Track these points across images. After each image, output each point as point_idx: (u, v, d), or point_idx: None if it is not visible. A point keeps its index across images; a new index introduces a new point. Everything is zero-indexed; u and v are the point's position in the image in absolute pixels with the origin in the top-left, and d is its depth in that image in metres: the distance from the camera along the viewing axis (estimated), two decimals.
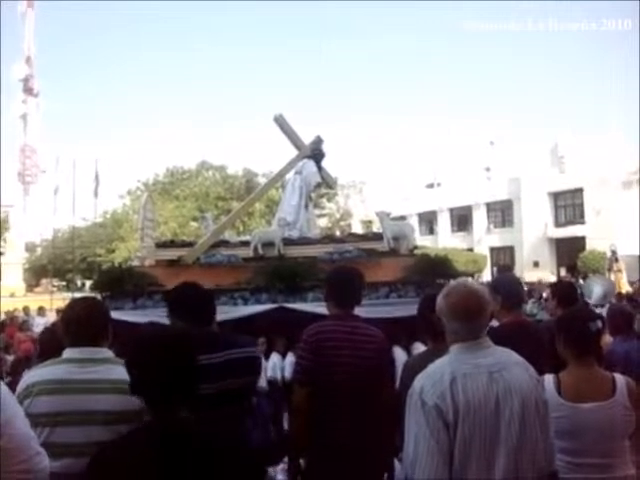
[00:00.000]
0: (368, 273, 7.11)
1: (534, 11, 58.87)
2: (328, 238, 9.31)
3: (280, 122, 9.05)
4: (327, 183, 10.15)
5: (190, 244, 8.54)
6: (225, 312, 6.60)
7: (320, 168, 9.25)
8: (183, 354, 2.13)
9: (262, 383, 6.57)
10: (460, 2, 62.20)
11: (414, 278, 7.34)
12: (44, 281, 46.97)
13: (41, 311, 17.26)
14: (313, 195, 10.31)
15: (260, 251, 7.94)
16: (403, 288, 7.30)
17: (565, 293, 4.63)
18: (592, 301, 10.69)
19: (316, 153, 9.14)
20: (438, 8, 78.86)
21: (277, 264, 7.47)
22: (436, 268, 7.35)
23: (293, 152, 9.19)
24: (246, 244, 8.30)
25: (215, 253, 7.91)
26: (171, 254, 8.07)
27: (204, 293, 3.38)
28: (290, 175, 9.32)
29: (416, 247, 8.76)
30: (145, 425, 2.13)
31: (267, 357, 7.51)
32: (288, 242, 8.17)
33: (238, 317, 6.70)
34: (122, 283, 7.21)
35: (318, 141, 9.18)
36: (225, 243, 8.49)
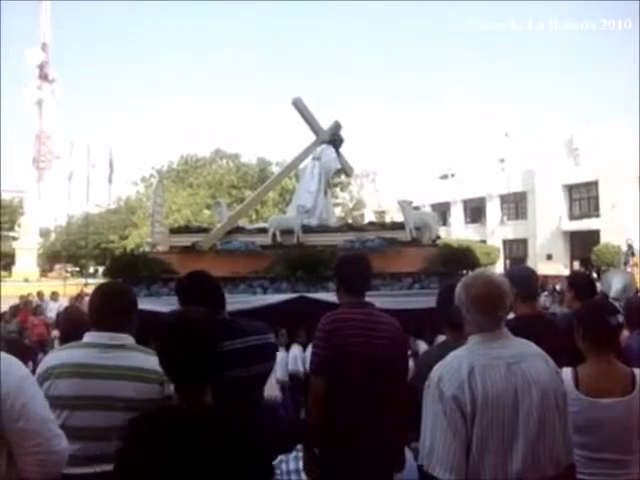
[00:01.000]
0: (390, 263, 7.16)
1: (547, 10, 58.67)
2: (348, 226, 9.11)
3: (299, 106, 8.82)
4: (345, 170, 9.87)
5: (205, 230, 8.35)
6: (244, 301, 6.49)
7: (339, 154, 9.01)
8: (211, 337, 2.18)
9: (283, 376, 6.51)
10: (467, 2, 62.41)
11: (437, 269, 7.18)
12: (58, 266, 47.32)
13: (54, 296, 17.37)
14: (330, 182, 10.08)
15: (278, 238, 7.73)
16: (426, 279, 7.15)
17: (583, 285, 4.54)
18: (611, 294, 10.58)
19: (335, 139, 8.91)
20: (452, 4, 78.67)
21: (298, 252, 7.27)
22: (459, 259, 7.21)
23: (308, 140, 8.96)
24: (263, 231, 8.08)
25: (232, 240, 7.69)
26: (185, 240, 7.87)
27: (212, 281, 3.35)
28: (307, 161, 9.05)
29: (439, 237, 8.54)
30: (172, 406, 2.19)
31: (288, 349, 7.38)
32: (307, 229, 7.95)
33: (257, 307, 6.53)
34: (136, 269, 7.05)
35: (336, 126, 8.93)
36: (241, 230, 8.29)
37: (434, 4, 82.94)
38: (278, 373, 6.54)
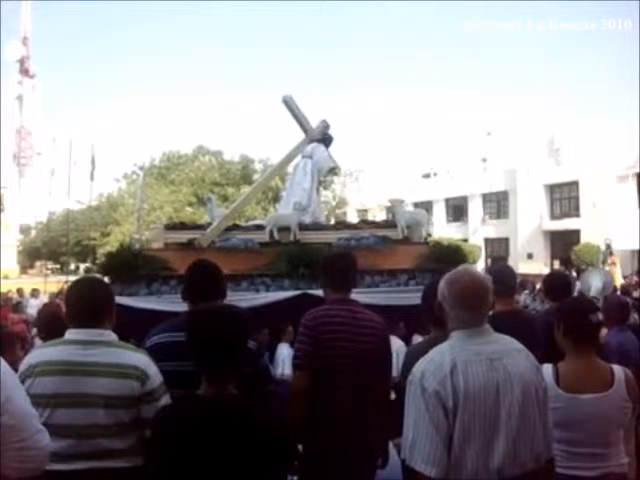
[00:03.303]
0: (385, 260, 7.44)
1: (533, 11, 59.43)
2: (342, 224, 9.31)
3: (289, 104, 8.87)
4: (335, 169, 10.08)
5: (201, 227, 8.29)
6: (249, 299, 6.61)
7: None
8: (240, 329, 2.27)
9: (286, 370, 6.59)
10: (460, 1, 62.75)
11: (429, 266, 7.35)
12: (38, 263, 46.90)
13: (35, 293, 17.25)
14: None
15: (276, 236, 7.76)
16: (420, 275, 7.32)
17: (553, 284, 4.59)
18: (590, 293, 10.70)
19: (325, 137, 9.02)
20: (439, 5, 79.12)
21: (297, 250, 7.33)
22: (450, 256, 7.38)
23: (291, 137, 9.07)
24: (259, 228, 8.12)
25: (230, 237, 7.66)
26: (181, 237, 7.79)
27: (213, 270, 3.38)
28: (297, 159, 9.11)
29: (429, 235, 8.72)
30: (199, 396, 2.25)
31: (293, 345, 7.48)
32: (302, 227, 7.99)
33: (262, 304, 6.63)
34: (135, 267, 6.88)
35: (326, 125, 9.03)
36: (237, 227, 8.30)
37: (430, 3, 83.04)
38: (286, 369, 6.65)
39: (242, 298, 6.52)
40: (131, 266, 6.92)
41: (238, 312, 2.34)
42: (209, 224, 8.14)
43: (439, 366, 2.29)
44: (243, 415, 2.17)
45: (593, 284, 11.30)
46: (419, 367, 2.36)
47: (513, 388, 2.28)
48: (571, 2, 55.40)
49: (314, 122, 9.06)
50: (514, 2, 60.62)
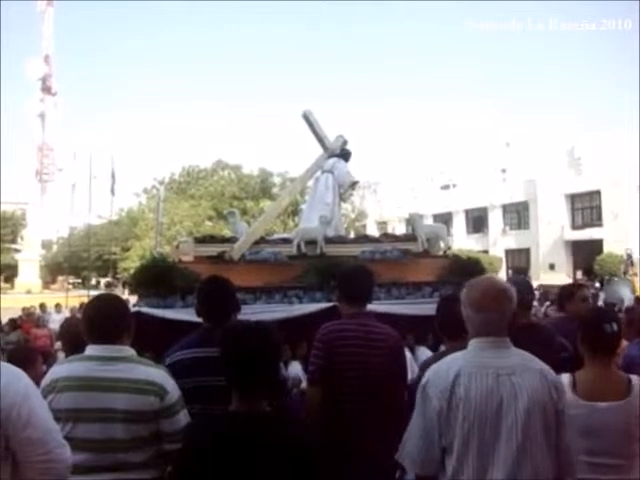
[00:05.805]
0: (408, 273, 7.58)
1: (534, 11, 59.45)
2: (364, 238, 9.49)
3: (309, 119, 8.89)
4: (354, 183, 10.23)
5: (229, 240, 8.25)
6: (285, 310, 6.77)
7: None
8: (274, 346, 2.29)
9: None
10: (466, 2, 62.91)
11: (451, 278, 7.43)
12: (60, 278, 47.36)
13: (58, 307, 17.41)
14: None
15: (303, 249, 7.81)
16: (443, 287, 7.40)
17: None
18: (625, 303, 10.60)
19: (344, 152, 9.11)
20: (452, 7, 79.25)
21: (325, 262, 7.36)
22: (471, 269, 7.45)
23: (309, 152, 9.14)
24: (287, 241, 8.19)
25: (259, 250, 7.72)
26: (211, 250, 7.81)
27: (227, 287, 3.41)
28: (317, 174, 9.12)
29: (450, 248, 8.84)
30: (232, 412, 2.25)
31: None
32: (327, 241, 8.05)
33: (297, 315, 6.73)
34: (171, 280, 6.88)
35: (344, 140, 9.13)
36: (265, 240, 8.37)
37: (443, 9, 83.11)
38: None
39: (277, 310, 6.69)
40: (166, 279, 6.90)
41: (271, 329, 2.33)
42: (234, 238, 8.18)
43: (444, 376, 2.34)
44: (275, 432, 2.17)
45: (626, 295, 11.21)
46: (428, 374, 2.43)
47: (518, 406, 2.25)
48: (571, 2, 55.32)
49: (332, 136, 9.08)
50: (513, 3, 60.80)
